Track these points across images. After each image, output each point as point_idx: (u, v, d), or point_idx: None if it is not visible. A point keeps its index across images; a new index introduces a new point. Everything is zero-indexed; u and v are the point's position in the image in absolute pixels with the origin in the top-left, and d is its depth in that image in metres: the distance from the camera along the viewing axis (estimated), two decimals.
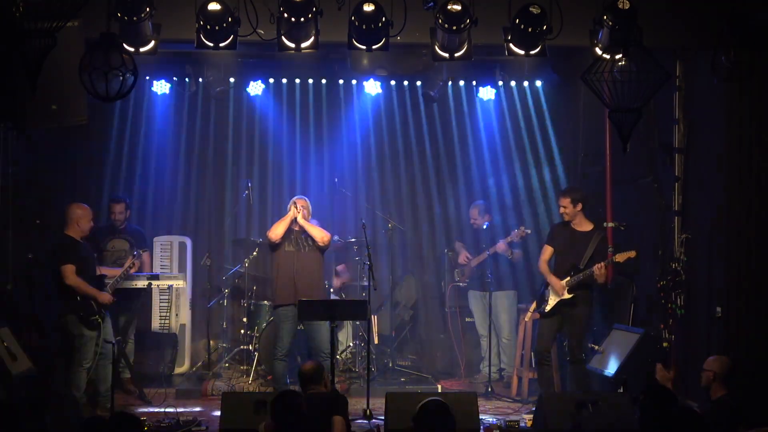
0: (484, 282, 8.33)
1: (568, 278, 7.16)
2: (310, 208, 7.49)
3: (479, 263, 8.52)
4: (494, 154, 9.71)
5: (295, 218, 7.26)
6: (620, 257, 7.03)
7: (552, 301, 7.23)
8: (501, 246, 8.41)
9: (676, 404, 4.56)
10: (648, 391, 4.65)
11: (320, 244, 7.27)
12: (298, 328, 7.34)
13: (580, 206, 7.29)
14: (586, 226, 7.33)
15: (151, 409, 7.19)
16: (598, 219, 7.78)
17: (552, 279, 7.27)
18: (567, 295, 7.16)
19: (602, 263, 7.00)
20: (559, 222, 7.79)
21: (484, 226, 8.55)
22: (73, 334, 6.98)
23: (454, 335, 8.86)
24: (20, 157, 7.73)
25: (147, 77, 8.79)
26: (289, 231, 7.30)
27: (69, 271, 6.96)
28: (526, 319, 7.82)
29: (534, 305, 7.55)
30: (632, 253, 7.06)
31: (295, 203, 7.37)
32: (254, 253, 8.69)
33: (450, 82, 9.19)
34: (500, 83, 9.09)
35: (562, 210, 7.37)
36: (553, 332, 7.30)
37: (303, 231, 7.31)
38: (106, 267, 7.63)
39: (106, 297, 7.05)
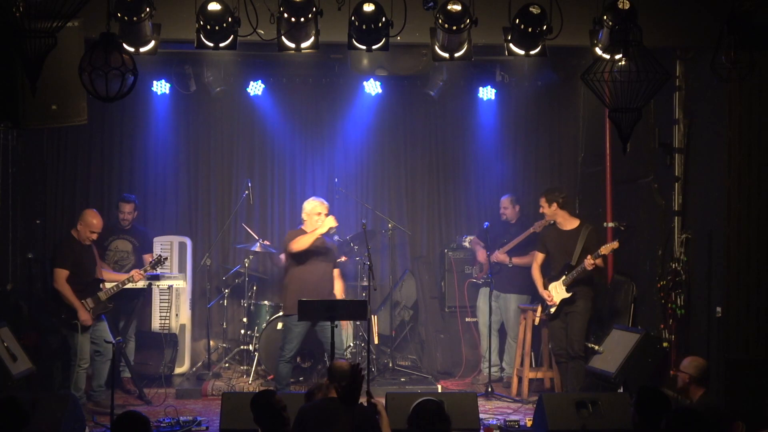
0: (501, 282, 8.33)
1: (564, 277, 7.26)
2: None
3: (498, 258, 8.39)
4: (494, 154, 9.72)
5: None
6: (604, 249, 7.17)
7: (556, 302, 7.33)
8: (501, 256, 8.34)
9: (668, 406, 4.56)
10: (640, 391, 4.66)
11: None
12: (314, 328, 7.28)
13: (555, 206, 7.47)
14: (571, 224, 7.46)
15: (151, 409, 7.19)
16: (595, 218, 7.79)
17: (540, 289, 7.49)
18: (566, 294, 7.28)
19: (590, 256, 7.12)
20: (546, 226, 7.83)
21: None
22: (64, 334, 7.04)
23: (463, 333, 8.84)
24: (20, 157, 7.74)
25: (147, 77, 8.79)
26: None
27: (59, 275, 7.02)
28: (536, 323, 7.81)
29: (540, 308, 7.61)
30: (615, 244, 7.22)
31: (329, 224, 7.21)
32: (256, 248, 8.68)
33: (450, 82, 9.17)
34: (500, 83, 9.08)
35: (540, 210, 7.57)
36: (564, 329, 7.39)
37: (320, 242, 7.27)
38: (109, 270, 7.62)
39: (84, 317, 7.00)
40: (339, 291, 7.64)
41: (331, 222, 7.19)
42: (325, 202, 7.41)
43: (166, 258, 7.79)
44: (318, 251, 7.31)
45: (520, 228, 8.43)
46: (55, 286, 7.01)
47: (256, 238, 8.69)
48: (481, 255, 8.54)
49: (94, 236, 7.22)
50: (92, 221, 7.19)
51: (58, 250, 7.23)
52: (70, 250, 7.13)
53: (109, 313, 7.42)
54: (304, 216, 7.41)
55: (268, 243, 8.74)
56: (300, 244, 7.21)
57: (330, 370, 5.19)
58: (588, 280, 7.34)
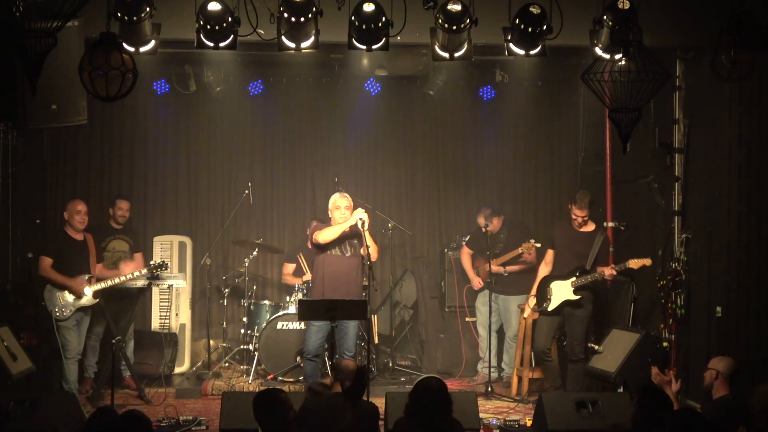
0: (500, 286, 8.31)
1: (574, 279, 7.22)
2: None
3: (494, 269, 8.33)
4: (494, 154, 9.73)
5: (359, 225, 6.98)
6: (635, 264, 7.11)
7: (556, 301, 7.30)
8: (495, 268, 8.26)
9: (671, 407, 4.56)
10: (643, 390, 4.65)
11: (371, 260, 7.01)
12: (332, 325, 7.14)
13: (591, 208, 7.44)
14: (588, 227, 7.42)
15: (151, 409, 7.18)
16: (597, 219, 7.78)
17: (535, 288, 7.49)
18: (574, 296, 7.24)
19: (613, 265, 7.14)
20: (559, 223, 7.81)
21: (485, 226, 8.50)
22: (52, 328, 7.11)
23: (463, 333, 8.83)
24: (20, 157, 7.75)
25: (147, 77, 8.78)
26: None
27: (42, 262, 7.17)
28: (525, 316, 7.79)
29: (533, 303, 7.57)
30: (648, 261, 7.15)
31: (361, 218, 6.99)
32: (254, 253, 8.70)
33: (450, 82, 9.15)
34: (500, 83, 9.08)
35: (582, 220, 7.37)
36: (553, 331, 7.41)
37: (349, 235, 7.17)
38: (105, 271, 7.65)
39: (79, 283, 7.12)
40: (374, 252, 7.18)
41: (358, 213, 6.98)
42: (347, 196, 7.27)
43: (168, 265, 7.76)
44: (345, 245, 7.20)
45: (507, 234, 8.42)
46: (40, 274, 7.14)
47: (305, 272, 8.61)
48: (475, 282, 8.53)
49: (82, 217, 7.34)
50: (76, 207, 7.36)
51: (45, 240, 7.47)
52: (56, 240, 7.30)
53: (110, 312, 7.45)
54: (329, 213, 7.35)
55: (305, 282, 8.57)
56: (324, 236, 7.09)
57: (337, 368, 5.22)
58: (592, 285, 7.34)
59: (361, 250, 7.07)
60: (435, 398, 4.24)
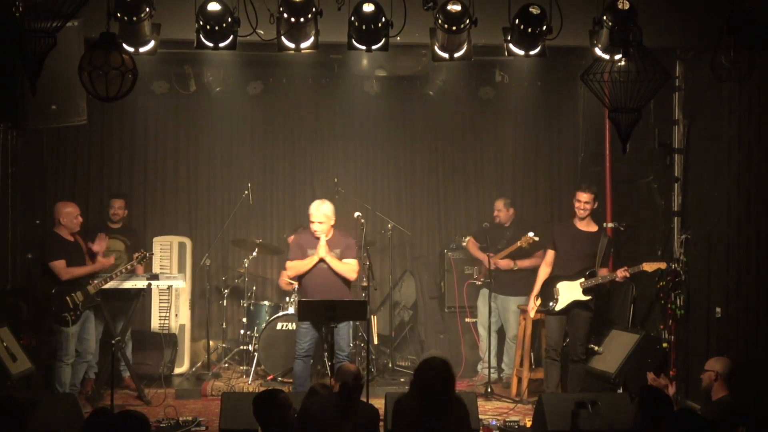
0: (500, 285, 8.29)
1: (583, 279, 7.21)
2: (331, 216, 7.11)
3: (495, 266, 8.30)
4: (494, 154, 9.73)
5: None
6: (649, 267, 7.09)
7: (564, 301, 7.27)
8: (502, 263, 8.26)
9: (671, 407, 4.56)
10: (644, 391, 4.65)
11: (353, 278, 7.08)
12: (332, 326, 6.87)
13: (596, 203, 7.38)
14: (592, 227, 7.41)
15: (151, 409, 7.18)
16: (597, 219, 7.79)
17: (536, 289, 7.45)
18: (584, 297, 7.23)
19: (626, 267, 7.12)
20: (559, 224, 7.80)
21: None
22: (52, 329, 7.10)
23: (463, 333, 8.83)
24: (20, 157, 7.75)
25: (147, 77, 8.78)
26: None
27: (60, 266, 7.08)
28: (532, 316, 7.77)
29: (538, 303, 7.53)
30: (662, 264, 7.15)
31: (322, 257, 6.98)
32: (254, 253, 8.70)
33: (450, 82, 9.15)
34: (500, 83, 9.08)
35: (584, 206, 7.32)
36: (563, 329, 7.37)
37: (332, 246, 7.08)
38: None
39: (107, 262, 7.28)
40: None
41: (322, 250, 6.96)
42: (323, 208, 7.05)
43: (152, 254, 7.75)
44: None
45: (514, 231, 8.41)
46: (63, 279, 7.05)
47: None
48: (485, 260, 8.37)
49: (79, 220, 7.32)
50: (69, 210, 7.30)
51: (47, 246, 7.28)
52: (58, 242, 7.23)
53: (109, 312, 7.45)
54: None
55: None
56: (292, 273, 7.20)
57: (338, 372, 5.25)
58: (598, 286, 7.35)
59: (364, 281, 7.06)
60: (437, 375, 4.29)
